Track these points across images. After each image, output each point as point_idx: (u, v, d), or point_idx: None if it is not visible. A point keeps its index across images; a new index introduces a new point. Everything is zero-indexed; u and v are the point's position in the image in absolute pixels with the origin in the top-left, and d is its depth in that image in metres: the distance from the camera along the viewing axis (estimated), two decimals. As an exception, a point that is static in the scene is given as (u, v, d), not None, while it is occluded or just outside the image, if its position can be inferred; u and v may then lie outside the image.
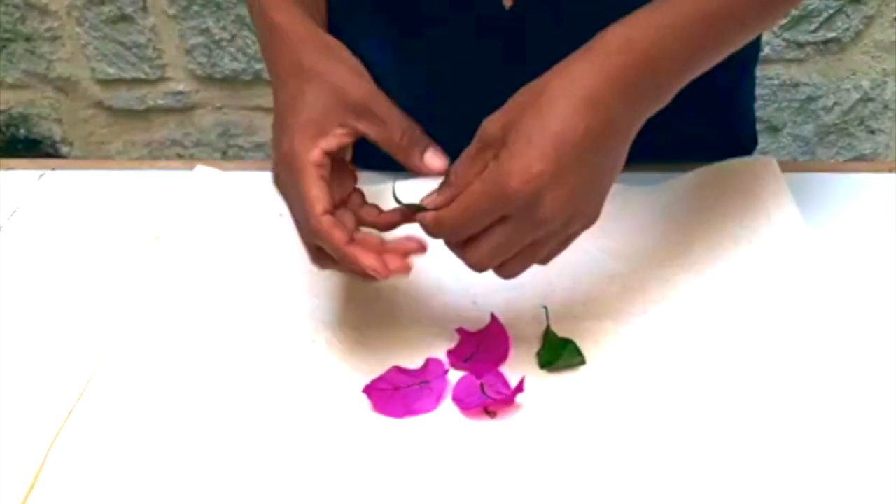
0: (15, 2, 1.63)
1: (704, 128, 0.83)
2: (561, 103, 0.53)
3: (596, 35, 0.57)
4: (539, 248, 0.56)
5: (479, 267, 0.56)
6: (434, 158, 0.58)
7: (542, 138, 0.52)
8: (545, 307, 0.66)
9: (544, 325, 0.65)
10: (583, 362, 0.63)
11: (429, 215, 0.56)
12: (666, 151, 0.80)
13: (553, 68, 0.56)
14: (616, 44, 0.55)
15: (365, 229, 0.60)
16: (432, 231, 0.56)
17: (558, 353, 0.64)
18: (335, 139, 0.57)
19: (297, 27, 0.62)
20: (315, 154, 0.57)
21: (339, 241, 0.55)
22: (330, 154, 0.57)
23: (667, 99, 0.58)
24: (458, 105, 0.80)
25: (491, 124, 0.55)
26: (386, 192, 0.79)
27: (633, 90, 0.55)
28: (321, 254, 0.58)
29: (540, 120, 0.53)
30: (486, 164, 0.54)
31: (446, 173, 0.57)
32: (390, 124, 0.58)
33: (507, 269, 0.57)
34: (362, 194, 0.61)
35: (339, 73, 0.59)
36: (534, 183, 0.52)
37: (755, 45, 0.89)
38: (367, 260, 0.55)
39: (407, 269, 0.57)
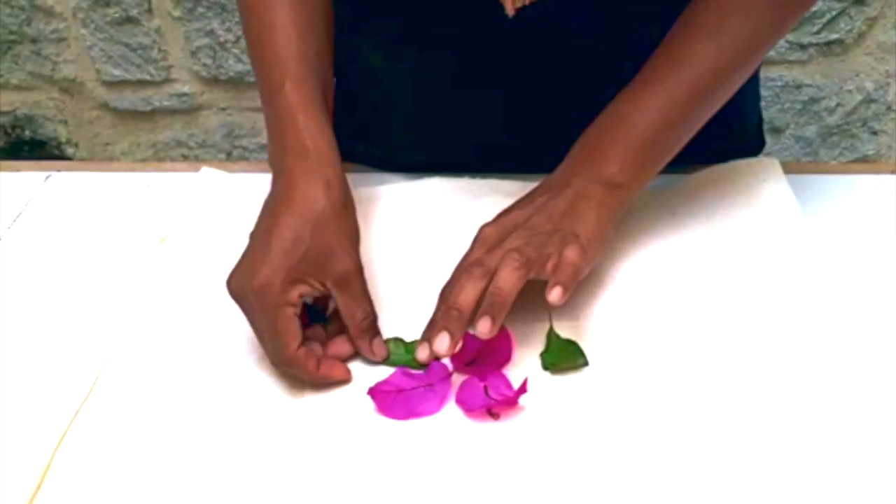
0: (20, 3, 1.63)
1: (710, 132, 0.83)
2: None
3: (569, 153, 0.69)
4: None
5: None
6: (379, 348, 0.64)
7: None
8: (548, 309, 0.66)
9: (547, 327, 0.65)
10: (586, 363, 0.63)
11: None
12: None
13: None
14: (573, 173, 0.68)
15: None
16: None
17: (561, 354, 0.64)
18: (310, 290, 0.62)
19: (314, 144, 0.65)
20: (293, 297, 0.61)
21: (312, 370, 0.61)
22: (303, 298, 0.62)
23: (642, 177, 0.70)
24: (460, 114, 0.80)
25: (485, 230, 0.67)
26: (383, 193, 0.79)
27: (593, 199, 0.67)
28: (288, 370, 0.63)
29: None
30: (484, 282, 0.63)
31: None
32: (360, 305, 0.63)
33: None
34: None
35: (336, 238, 0.63)
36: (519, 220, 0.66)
37: None
38: (337, 373, 0.63)
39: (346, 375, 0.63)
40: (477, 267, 0.62)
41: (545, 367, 0.64)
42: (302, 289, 0.61)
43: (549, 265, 0.62)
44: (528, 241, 0.63)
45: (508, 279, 0.61)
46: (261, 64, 0.69)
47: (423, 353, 0.63)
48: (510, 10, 0.70)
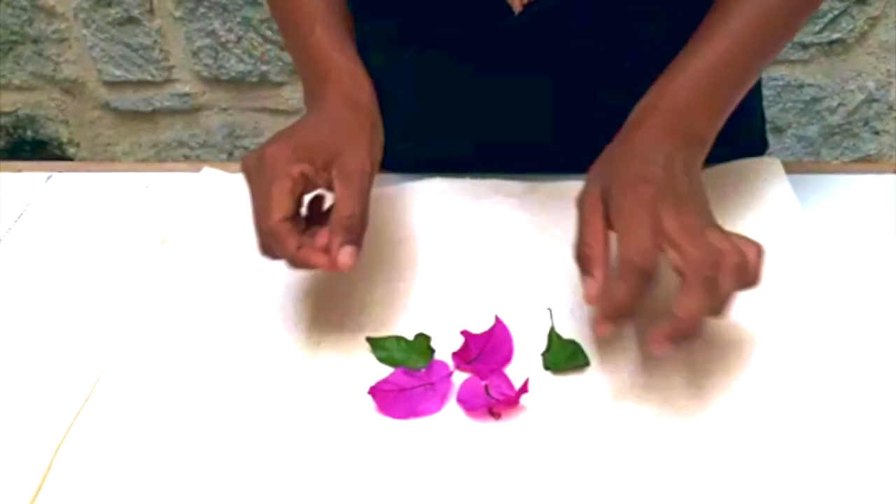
0: (22, 4, 1.64)
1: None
2: (633, 151, 0.62)
3: (631, 112, 0.65)
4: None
5: (641, 255, 0.56)
6: (346, 255, 0.60)
7: (635, 161, 0.61)
8: (549, 309, 0.66)
9: (549, 327, 0.65)
10: (587, 363, 0.63)
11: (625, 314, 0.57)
12: None
13: (605, 149, 0.65)
14: (645, 113, 0.64)
15: None
16: (633, 299, 0.56)
17: (563, 354, 0.64)
18: (312, 171, 0.61)
19: (349, 75, 0.68)
20: (294, 170, 0.60)
21: (290, 247, 0.60)
22: (305, 178, 0.61)
23: (709, 135, 0.66)
24: (460, 114, 0.80)
25: (587, 196, 0.62)
26: (384, 193, 0.79)
27: (675, 136, 0.63)
28: (268, 245, 0.61)
29: (626, 161, 0.61)
30: (603, 225, 0.59)
31: (581, 255, 0.60)
32: (352, 202, 0.61)
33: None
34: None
35: (355, 138, 0.64)
36: (656, 174, 0.60)
37: None
38: (317, 259, 0.60)
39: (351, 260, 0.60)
40: (712, 276, 0.55)
41: (546, 367, 0.64)
42: (305, 167, 0.61)
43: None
44: (730, 244, 0.57)
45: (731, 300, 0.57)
46: (288, 16, 0.73)
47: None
48: (517, 7, 0.70)
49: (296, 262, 0.60)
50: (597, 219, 0.59)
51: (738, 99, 0.68)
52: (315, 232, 0.62)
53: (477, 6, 0.72)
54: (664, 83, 0.66)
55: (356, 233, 0.61)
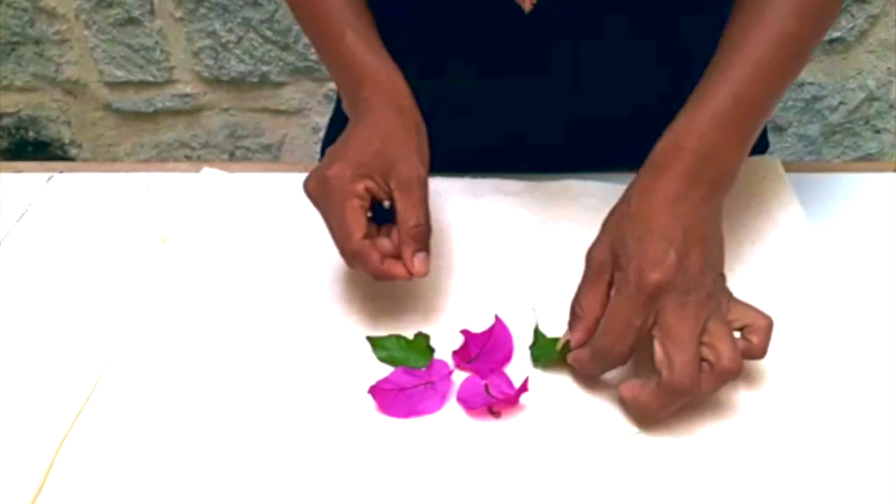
0: (23, 5, 1.64)
1: None
2: (652, 210, 0.59)
3: (652, 151, 0.63)
4: (709, 308, 0.58)
5: (689, 380, 0.56)
6: (421, 263, 0.63)
7: (651, 237, 0.58)
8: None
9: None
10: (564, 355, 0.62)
11: (581, 353, 0.60)
12: None
13: (625, 193, 0.62)
14: (670, 154, 0.61)
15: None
16: (589, 366, 0.60)
17: (550, 348, 0.64)
18: (375, 187, 0.64)
19: (386, 77, 0.68)
20: (359, 189, 0.63)
21: (374, 262, 0.62)
22: (370, 192, 0.63)
23: (737, 168, 0.63)
24: (460, 114, 0.80)
25: (597, 252, 0.61)
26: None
27: (702, 181, 0.60)
28: (352, 262, 0.64)
29: (642, 226, 0.58)
30: (605, 290, 0.59)
31: (573, 312, 0.61)
32: (414, 212, 0.63)
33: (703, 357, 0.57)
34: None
35: (404, 144, 0.65)
36: (668, 262, 0.57)
37: None
38: (399, 271, 0.63)
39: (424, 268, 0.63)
40: (686, 387, 0.56)
41: (534, 360, 0.64)
42: (368, 183, 0.63)
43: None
44: (728, 344, 0.57)
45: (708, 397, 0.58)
46: (315, 22, 0.73)
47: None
48: (527, 6, 0.70)
49: (379, 276, 0.63)
50: (600, 284, 0.60)
51: (760, 129, 0.65)
52: (383, 235, 0.64)
53: (487, 7, 0.73)
54: (688, 120, 0.63)
55: (424, 240, 0.63)
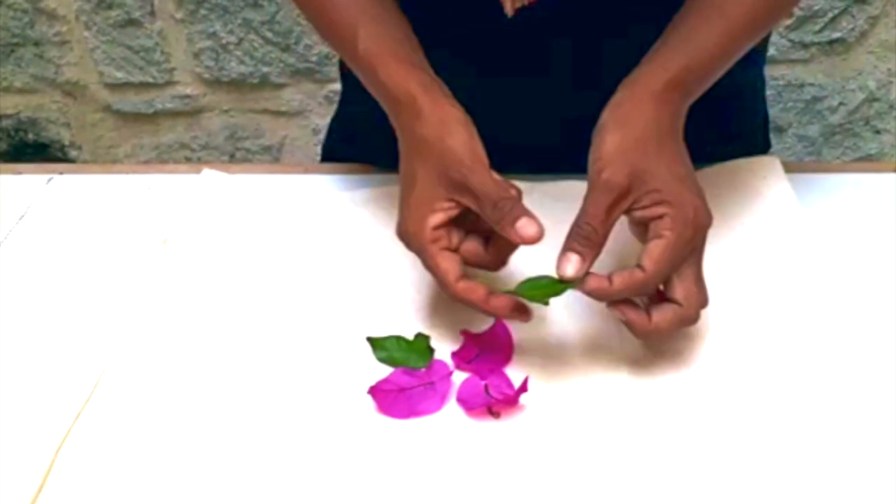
0: (23, 7, 1.64)
1: (715, 136, 0.83)
2: (661, 132, 0.62)
3: (633, 75, 0.65)
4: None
5: (697, 315, 0.60)
6: (527, 227, 0.60)
7: (682, 169, 0.62)
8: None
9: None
10: (565, 289, 0.60)
11: (600, 281, 0.59)
12: None
13: (610, 111, 0.64)
14: (657, 83, 0.64)
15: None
16: (614, 293, 0.60)
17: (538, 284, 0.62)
18: (443, 214, 0.63)
19: (421, 99, 0.66)
20: (427, 234, 0.62)
21: (477, 301, 0.61)
22: (442, 226, 0.63)
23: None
24: (475, 113, 0.80)
25: (617, 177, 0.60)
26: (384, 193, 0.80)
27: (679, 89, 0.64)
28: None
29: (662, 156, 0.62)
30: (619, 214, 0.60)
31: (586, 237, 0.60)
32: (483, 199, 0.61)
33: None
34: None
35: (445, 152, 0.63)
36: (703, 205, 0.61)
37: (762, 48, 0.89)
38: (508, 312, 0.62)
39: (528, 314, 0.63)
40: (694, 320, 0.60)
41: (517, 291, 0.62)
42: (432, 220, 0.62)
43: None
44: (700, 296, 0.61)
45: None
46: (332, 30, 0.72)
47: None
48: (509, 11, 0.70)
49: (489, 314, 0.62)
50: (617, 210, 0.60)
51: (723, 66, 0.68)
52: (471, 246, 0.64)
53: (473, 8, 0.73)
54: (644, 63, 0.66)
55: (519, 208, 0.61)
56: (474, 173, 0.62)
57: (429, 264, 0.63)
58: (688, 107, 0.66)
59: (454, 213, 0.63)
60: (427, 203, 0.63)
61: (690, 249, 0.60)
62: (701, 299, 0.61)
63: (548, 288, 0.60)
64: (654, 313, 0.60)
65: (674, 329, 0.60)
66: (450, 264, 0.62)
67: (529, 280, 0.61)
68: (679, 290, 0.60)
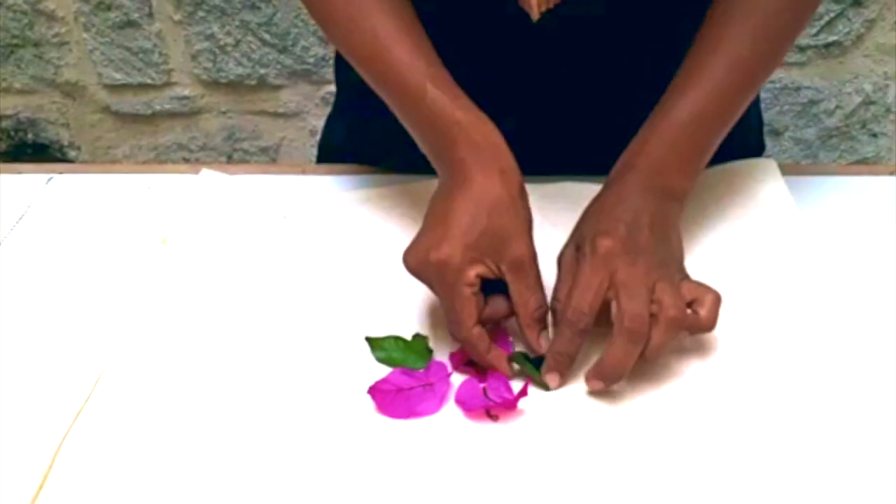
0: (23, 8, 1.64)
1: None
2: (605, 206, 0.66)
3: (614, 169, 0.68)
4: (658, 272, 0.62)
5: (640, 324, 0.60)
6: (546, 342, 0.63)
7: (603, 216, 0.64)
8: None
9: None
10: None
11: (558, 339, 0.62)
12: None
13: (590, 210, 0.67)
14: (624, 171, 0.67)
15: None
16: (568, 344, 0.62)
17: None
18: (486, 272, 0.62)
19: (483, 137, 0.65)
20: (470, 277, 0.61)
21: (482, 352, 0.62)
22: (481, 278, 0.62)
23: (688, 184, 0.68)
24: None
25: (565, 254, 0.65)
26: (386, 194, 0.80)
27: (653, 193, 0.65)
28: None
29: (597, 216, 0.65)
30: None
31: (553, 311, 0.64)
32: (533, 294, 0.63)
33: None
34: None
35: (513, 223, 0.63)
36: (618, 232, 0.62)
37: None
38: (502, 366, 0.63)
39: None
40: (638, 330, 0.59)
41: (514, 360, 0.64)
42: (479, 269, 0.62)
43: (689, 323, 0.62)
44: (673, 298, 0.60)
45: (661, 350, 0.60)
46: (386, 75, 0.68)
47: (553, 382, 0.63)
48: (535, 14, 0.70)
49: (484, 364, 0.63)
50: (569, 276, 0.63)
51: (715, 148, 0.69)
52: (497, 303, 0.64)
53: (496, 15, 0.72)
54: (641, 141, 0.68)
55: (545, 320, 0.64)
56: (534, 263, 0.63)
57: (454, 303, 0.61)
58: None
59: (493, 276, 0.62)
60: (478, 252, 0.61)
61: (601, 272, 0.61)
62: (634, 307, 0.59)
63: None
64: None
65: (628, 349, 0.59)
66: (472, 309, 0.62)
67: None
68: (613, 309, 0.60)
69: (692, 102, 0.67)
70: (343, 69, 0.92)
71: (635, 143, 0.68)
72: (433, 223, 0.63)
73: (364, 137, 0.87)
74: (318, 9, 0.72)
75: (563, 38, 0.74)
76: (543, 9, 0.69)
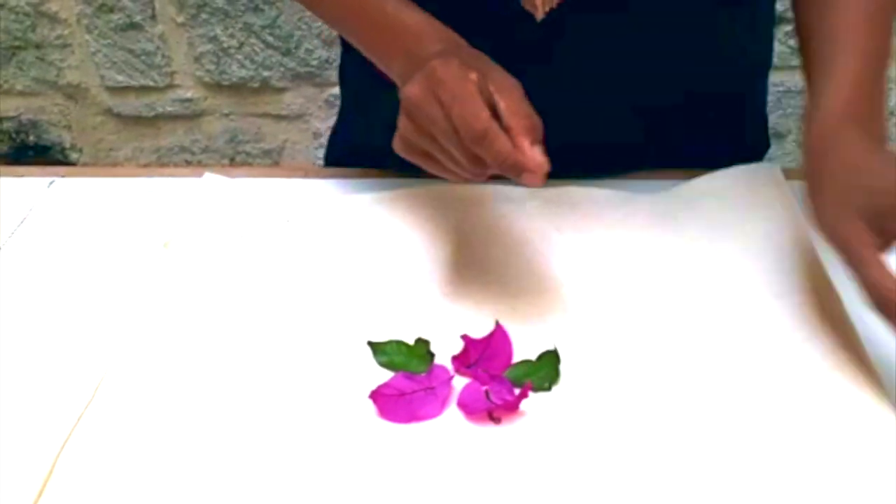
0: (25, 10, 1.64)
1: (718, 134, 0.83)
2: (868, 160, 0.63)
3: (806, 138, 0.66)
4: None
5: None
6: (541, 154, 0.59)
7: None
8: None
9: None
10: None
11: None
12: (681, 156, 0.80)
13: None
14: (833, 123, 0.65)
15: None
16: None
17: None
18: (482, 86, 0.60)
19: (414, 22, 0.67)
20: (472, 75, 0.59)
21: (504, 142, 0.57)
22: (477, 88, 0.60)
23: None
24: None
25: (849, 231, 0.60)
26: (387, 196, 0.80)
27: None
28: (477, 161, 0.60)
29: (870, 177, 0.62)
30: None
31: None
32: (525, 107, 0.61)
33: None
34: None
35: (487, 61, 0.63)
36: None
37: (768, 52, 0.89)
38: (524, 159, 0.58)
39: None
40: None
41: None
42: (475, 74, 0.60)
43: None
44: None
45: None
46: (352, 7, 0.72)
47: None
48: (539, 14, 0.70)
49: (507, 159, 0.58)
50: (874, 253, 0.58)
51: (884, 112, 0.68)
52: None
53: (499, 15, 0.72)
54: (823, 91, 0.66)
55: (538, 132, 0.60)
56: (521, 90, 0.61)
57: (460, 97, 0.59)
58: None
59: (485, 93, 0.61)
60: (467, 61, 0.62)
61: None
62: None
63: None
64: None
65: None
66: (482, 101, 0.59)
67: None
68: None
69: (854, 54, 0.66)
70: (348, 78, 0.92)
71: (816, 95, 0.66)
72: (423, 64, 0.62)
73: (367, 150, 0.86)
74: None
75: (566, 38, 0.74)
76: (547, 8, 0.70)
